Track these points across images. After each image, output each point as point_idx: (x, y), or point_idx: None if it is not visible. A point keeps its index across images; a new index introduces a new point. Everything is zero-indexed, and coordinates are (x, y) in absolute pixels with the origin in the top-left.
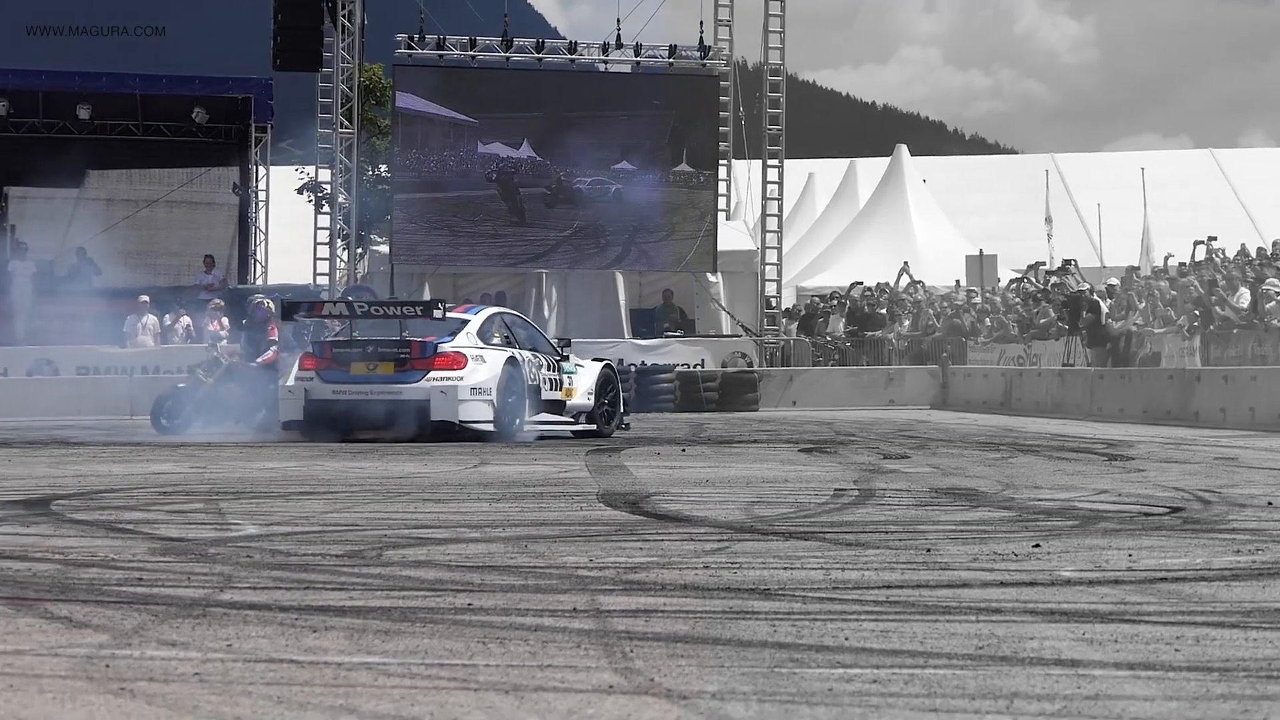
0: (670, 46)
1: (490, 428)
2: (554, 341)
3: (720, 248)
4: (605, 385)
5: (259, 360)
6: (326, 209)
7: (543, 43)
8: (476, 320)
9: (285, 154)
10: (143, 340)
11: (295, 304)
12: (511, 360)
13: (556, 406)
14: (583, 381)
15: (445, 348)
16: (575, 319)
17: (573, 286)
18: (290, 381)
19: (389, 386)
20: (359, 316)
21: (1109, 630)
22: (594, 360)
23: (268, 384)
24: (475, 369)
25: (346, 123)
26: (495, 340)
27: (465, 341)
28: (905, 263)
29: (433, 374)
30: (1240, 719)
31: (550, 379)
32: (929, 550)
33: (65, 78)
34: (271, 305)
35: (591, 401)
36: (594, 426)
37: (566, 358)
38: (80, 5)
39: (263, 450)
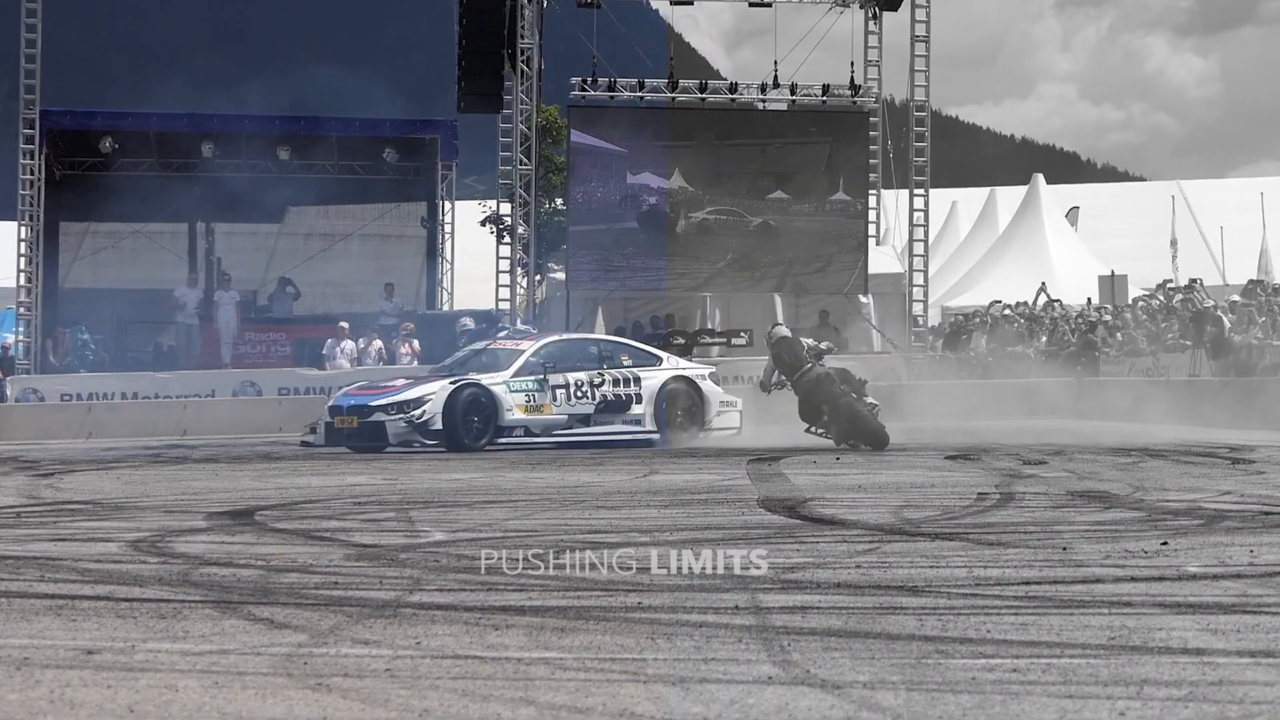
0: (824, 85)
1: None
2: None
3: (871, 271)
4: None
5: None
6: (507, 240)
7: (706, 83)
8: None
9: (469, 189)
10: (340, 363)
11: None
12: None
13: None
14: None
15: None
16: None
17: (735, 309)
18: None
19: None
20: None
21: (1232, 621)
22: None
23: None
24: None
25: (525, 160)
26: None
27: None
28: (1042, 283)
29: None
30: None
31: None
32: (1065, 549)
33: (267, 122)
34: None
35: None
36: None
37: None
38: (272, 50)
39: (450, 462)
